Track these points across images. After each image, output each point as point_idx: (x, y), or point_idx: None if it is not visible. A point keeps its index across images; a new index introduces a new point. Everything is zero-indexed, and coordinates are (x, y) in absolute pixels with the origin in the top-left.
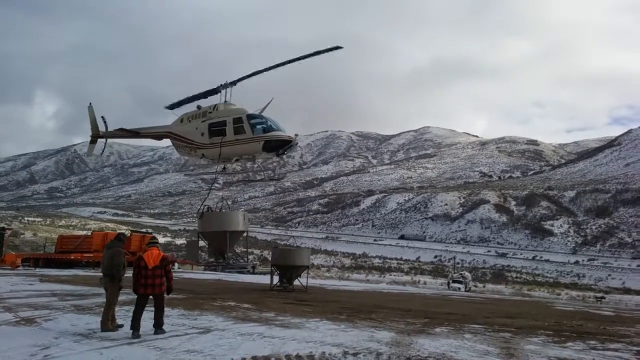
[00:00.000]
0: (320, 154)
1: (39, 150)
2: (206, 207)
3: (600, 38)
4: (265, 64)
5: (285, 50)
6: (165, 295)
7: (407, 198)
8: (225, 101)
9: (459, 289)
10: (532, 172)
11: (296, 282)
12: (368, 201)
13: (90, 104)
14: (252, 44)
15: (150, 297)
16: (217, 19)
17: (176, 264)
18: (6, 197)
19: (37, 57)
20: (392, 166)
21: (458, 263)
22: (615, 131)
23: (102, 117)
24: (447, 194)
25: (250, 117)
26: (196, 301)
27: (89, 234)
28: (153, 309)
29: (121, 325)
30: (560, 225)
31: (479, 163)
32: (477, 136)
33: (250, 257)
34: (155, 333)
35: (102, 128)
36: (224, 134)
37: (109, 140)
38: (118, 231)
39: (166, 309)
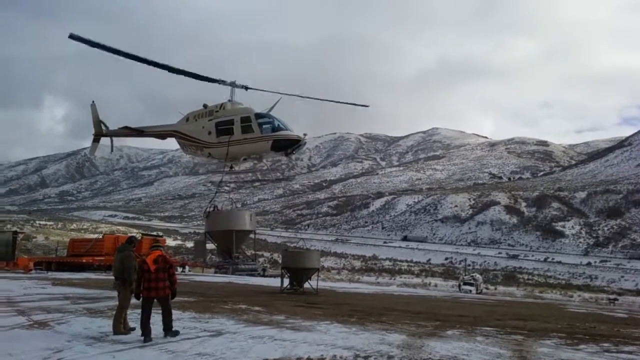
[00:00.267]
0: (328, 156)
1: (49, 154)
2: (213, 206)
3: (608, 37)
4: (268, 65)
5: (288, 51)
6: (170, 299)
7: (416, 200)
8: (230, 100)
9: (470, 291)
10: (542, 173)
11: (306, 285)
12: (377, 203)
13: (93, 102)
14: (253, 45)
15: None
16: (219, 20)
17: (187, 267)
18: (18, 200)
19: (43, 60)
20: (401, 168)
21: (469, 265)
22: (626, 131)
23: (102, 121)
24: (456, 196)
25: (258, 116)
26: (207, 304)
27: (100, 237)
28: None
29: (133, 329)
30: (572, 226)
31: (488, 164)
32: (486, 137)
33: (261, 259)
34: (165, 336)
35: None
36: (232, 132)
37: (119, 144)
38: (129, 234)
39: (177, 312)
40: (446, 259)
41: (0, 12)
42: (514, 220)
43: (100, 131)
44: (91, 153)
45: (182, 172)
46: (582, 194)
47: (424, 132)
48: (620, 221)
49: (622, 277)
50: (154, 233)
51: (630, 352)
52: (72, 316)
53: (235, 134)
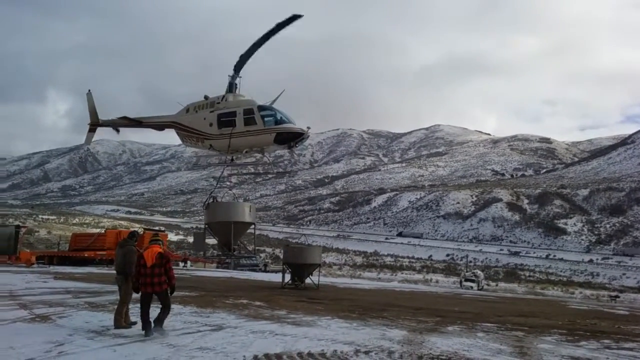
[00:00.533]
0: (331, 152)
1: (52, 149)
2: (212, 198)
3: (612, 35)
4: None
5: (294, 48)
6: (169, 294)
7: (418, 196)
8: (232, 89)
9: (472, 287)
10: (544, 170)
11: (308, 280)
12: (379, 199)
13: (89, 90)
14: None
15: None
16: (224, 18)
17: (188, 262)
18: (21, 195)
19: (47, 55)
20: (404, 164)
21: (470, 261)
22: (629, 129)
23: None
24: (459, 192)
25: (261, 108)
26: (208, 299)
27: (102, 232)
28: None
29: (134, 323)
30: (574, 223)
31: (491, 161)
32: (489, 134)
33: (262, 255)
34: (155, 327)
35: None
36: (234, 124)
37: (122, 139)
38: (131, 229)
39: (179, 307)
40: (448, 255)
41: (4, 7)
42: (516, 217)
43: (96, 121)
44: (87, 143)
45: (184, 167)
46: (585, 192)
47: (426, 129)
48: (623, 219)
49: (624, 274)
50: (156, 228)
51: (631, 349)
52: (73, 310)
53: (237, 126)
